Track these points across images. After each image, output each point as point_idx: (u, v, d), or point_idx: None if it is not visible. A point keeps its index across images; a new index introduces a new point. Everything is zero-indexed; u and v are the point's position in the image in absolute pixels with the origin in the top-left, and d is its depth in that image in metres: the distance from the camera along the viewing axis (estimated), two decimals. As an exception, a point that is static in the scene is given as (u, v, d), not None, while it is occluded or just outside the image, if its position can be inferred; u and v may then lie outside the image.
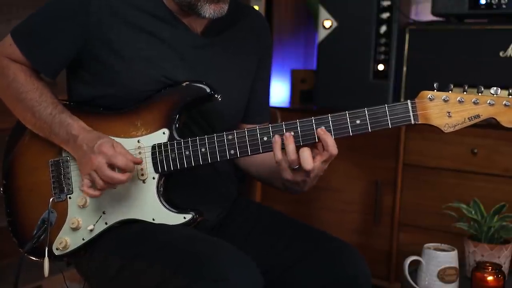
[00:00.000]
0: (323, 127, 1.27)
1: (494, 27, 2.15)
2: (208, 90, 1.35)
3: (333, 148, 1.27)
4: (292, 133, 1.28)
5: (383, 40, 2.32)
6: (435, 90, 1.25)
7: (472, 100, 1.23)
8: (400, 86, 2.32)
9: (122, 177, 1.29)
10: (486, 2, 2.15)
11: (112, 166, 1.29)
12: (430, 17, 2.36)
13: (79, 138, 1.34)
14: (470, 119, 1.24)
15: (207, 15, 1.36)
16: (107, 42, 1.36)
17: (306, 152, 1.26)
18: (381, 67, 2.32)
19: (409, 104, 1.25)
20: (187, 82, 1.36)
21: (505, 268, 1.71)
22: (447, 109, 1.24)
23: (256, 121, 1.58)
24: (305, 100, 2.69)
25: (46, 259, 1.39)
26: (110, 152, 1.28)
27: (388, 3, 2.30)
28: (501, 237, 1.74)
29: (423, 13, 2.56)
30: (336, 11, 2.38)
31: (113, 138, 1.36)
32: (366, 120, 1.26)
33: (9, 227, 1.47)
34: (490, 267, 1.58)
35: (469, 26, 2.23)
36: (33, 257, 1.44)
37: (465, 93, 1.24)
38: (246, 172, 1.62)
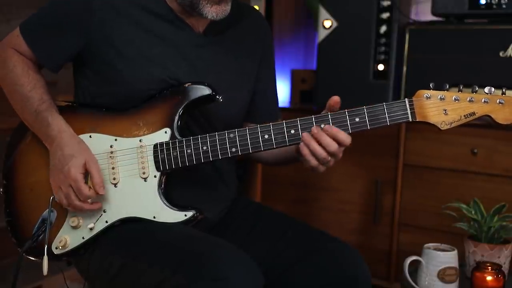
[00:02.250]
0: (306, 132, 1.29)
1: (494, 27, 2.15)
2: (209, 91, 1.35)
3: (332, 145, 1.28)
4: (322, 125, 1.29)
5: (383, 40, 2.32)
6: (431, 89, 1.28)
7: (468, 99, 1.26)
8: (400, 86, 2.32)
9: (87, 207, 1.34)
10: (486, 2, 2.15)
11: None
12: (430, 17, 2.36)
13: (55, 144, 1.36)
14: (466, 116, 1.27)
15: (209, 16, 1.36)
16: (110, 41, 1.37)
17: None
18: (381, 67, 2.32)
19: (407, 102, 1.28)
20: (189, 83, 1.37)
21: (505, 268, 1.71)
22: (443, 107, 1.27)
23: (268, 120, 1.58)
24: (305, 100, 2.70)
25: (45, 258, 1.38)
26: (74, 184, 1.31)
27: (388, 3, 2.30)
28: (501, 237, 1.74)
29: (423, 13, 2.56)
30: (336, 11, 2.38)
31: (114, 137, 1.38)
32: (365, 118, 1.28)
33: (8, 227, 1.48)
34: (490, 267, 1.58)
35: (469, 26, 2.23)
36: (32, 257, 1.44)
37: (460, 92, 1.27)
38: (257, 160, 1.63)
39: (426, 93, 1.28)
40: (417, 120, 1.28)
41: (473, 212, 1.77)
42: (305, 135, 1.29)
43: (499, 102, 1.25)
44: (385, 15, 2.31)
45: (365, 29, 2.33)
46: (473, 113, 1.26)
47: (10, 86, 1.44)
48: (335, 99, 1.30)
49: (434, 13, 2.26)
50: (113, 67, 1.38)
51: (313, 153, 1.29)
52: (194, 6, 1.36)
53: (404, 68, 2.30)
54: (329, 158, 1.29)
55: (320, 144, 1.28)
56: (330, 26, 2.39)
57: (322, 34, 2.41)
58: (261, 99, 1.59)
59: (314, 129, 1.28)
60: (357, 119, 1.28)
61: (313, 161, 1.30)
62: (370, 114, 1.28)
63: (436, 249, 1.68)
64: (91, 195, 1.32)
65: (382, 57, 2.32)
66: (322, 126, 1.29)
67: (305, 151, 1.29)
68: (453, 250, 1.68)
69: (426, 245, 1.70)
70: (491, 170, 2.14)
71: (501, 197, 1.99)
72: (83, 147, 1.36)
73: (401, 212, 2.32)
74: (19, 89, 1.42)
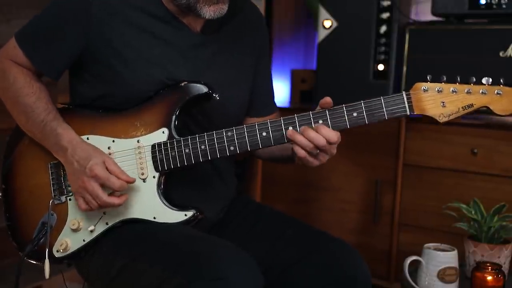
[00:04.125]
0: (290, 128, 1.29)
1: (494, 27, 2.15)
2: (206, 89, 1.35)
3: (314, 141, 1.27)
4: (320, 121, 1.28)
5: (383, 40, 2.32)
6: (429, 82, 1.27)
7: (465, 90, 1.25)
8: (400, 86, 2.32)
9: (118, 201, 1.32)
10: (486, 2, 2.15)
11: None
12: (430, 17, 2.36)
13: (68, 152, 1.35)
14: (464, 108, 1.26)
15: (207, 16, 1.36)
16: (109, 43, 1.36)
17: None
18: (381, 67, 2.32)
19: (404, 95, 1.27)
20: (185, 82, 1.37)
21: (505, 268, 1.71)
22: (441, 99, 1.26)
23: (263, 113, 1.59)
24: (305, 100, 2.70)
25: (47, 261, 1.38)
26: (103, 176, 1.30)
27: (388, 3, 2.30)
28: (501, 237, 1.74)
29: (423, 13, 2.56)
30: (336, 11, 2.38)
31: (111, 139, 1.38)
32: (363, 113, 1.28)
33: (8, 231, 1.47)
34: (490, 267, 1.58)
35: (469, 26, 2.23)
36: (33, 260, 1.44)
37: (458, 84, 1.26)
38: (257, 157, 1.63)
39: (424, 85, 1.26)
40: (415, 113, 1.26)
41: (473, 212, 1.77)
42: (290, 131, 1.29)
43: (497, 93, 1.24)
44: (385, 15, 2.31)
45: (365, 29, 2.33)
46: (471, 105, 1.25)
47: (13, 99, 1.42)
48: (327, 100, 1.29)
49: (434, 13, 2.26)
50: (113, 69, 1.38)
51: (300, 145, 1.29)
52: (192, 7, 1.35)
53: (404, 68, 2.30)
54: (316, 150, 1.28)
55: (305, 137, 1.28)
56: (330, 26, 2.39)
57: (322, 34, 2.41)
58: (258, 92, 1.58)
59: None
60: (355, 114, 1.28)
61: (301, 151, 1.29)
62: (368, 108, 1.27)
63: (436, 249, 1.68)
64: (123, 185, 1.31)
65: (382, 57, 2.32)
66: (320, 122, 1.28)
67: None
68: (453, 250, 1.68)
69: (426, 245, 1.70)
70: (491, 170, 2.14)
71: (501, 197, 1.99)
72: (97, 149, 1.36)
73: (401, 212, 2.32)
74: (22, 100, 1.40)
